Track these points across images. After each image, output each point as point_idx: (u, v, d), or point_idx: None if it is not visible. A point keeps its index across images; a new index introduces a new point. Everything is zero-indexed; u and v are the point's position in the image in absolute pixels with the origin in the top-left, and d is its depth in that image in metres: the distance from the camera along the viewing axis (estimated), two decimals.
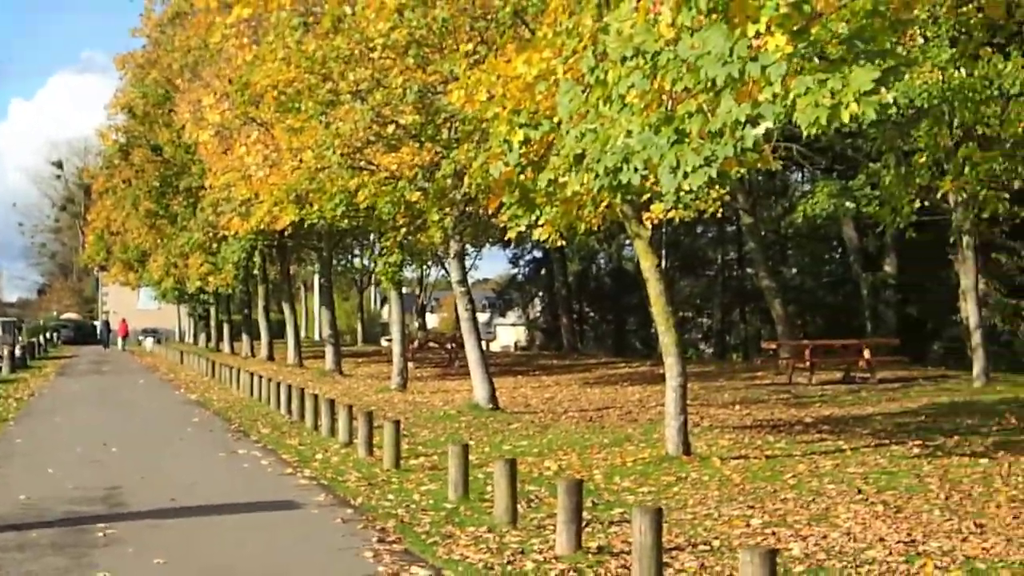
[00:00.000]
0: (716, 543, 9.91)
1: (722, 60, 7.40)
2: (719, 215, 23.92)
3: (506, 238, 33.89)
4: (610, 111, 9.17)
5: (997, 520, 10.87)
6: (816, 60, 7.65)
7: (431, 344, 45.58)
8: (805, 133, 7.19)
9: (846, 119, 6.99)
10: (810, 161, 35.44)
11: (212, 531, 10.97)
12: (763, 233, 42.46)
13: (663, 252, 48.56)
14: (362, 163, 22.77)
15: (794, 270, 50.35)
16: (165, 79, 44.75)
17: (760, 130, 7.41)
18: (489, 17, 18.81)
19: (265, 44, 20.97)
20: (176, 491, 13.16)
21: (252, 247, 39.29)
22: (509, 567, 9.24)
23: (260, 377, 27.44)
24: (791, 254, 51.04)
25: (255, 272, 44.32)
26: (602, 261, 61.19)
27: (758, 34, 7.45)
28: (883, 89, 7.08)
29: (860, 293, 41.33)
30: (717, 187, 17.18)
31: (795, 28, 7.36)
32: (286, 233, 37.01)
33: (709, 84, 7.56)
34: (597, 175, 9.23)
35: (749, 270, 49.19)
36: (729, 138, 7.55)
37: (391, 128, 21.61)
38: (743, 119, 7.43)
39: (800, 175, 47.37)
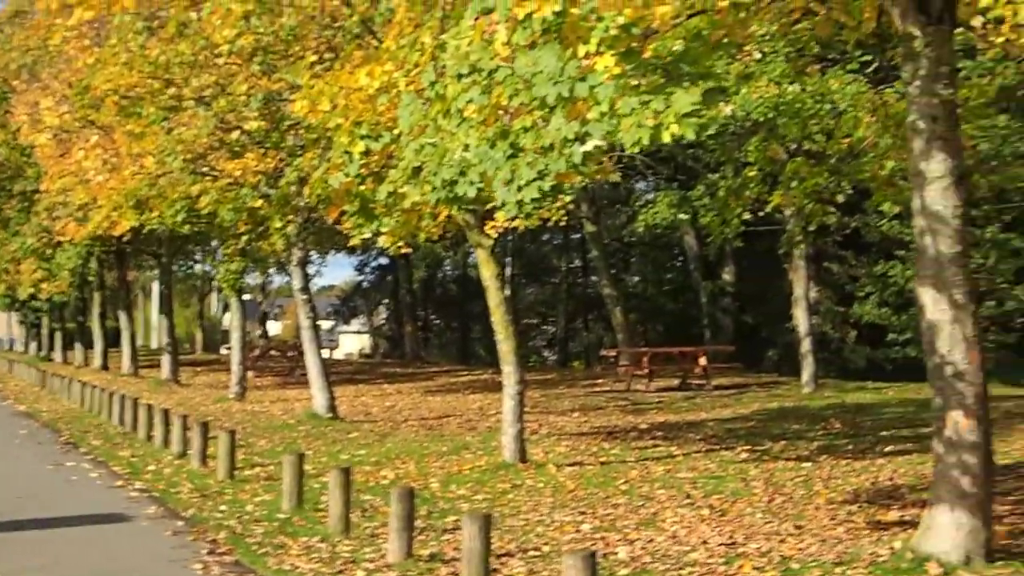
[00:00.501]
0: (546, 548, 10.18)
1: (553, 79, 7.64)
2: (563, 223, 24.30)
3: (350, 245, 33.89)
4: (449, 125, 9.35)
5: (815, 522, 11.38)
6: (657, 76, 7.95)
7: (272, 352, 45.21)
8: (628, 150, 7.49)
9: (667, 139, 7.30)
10: (653, 171, 36.20)
11: (38, 545, 10.79)
12: (606, 241, 43.15)
13: (508, 260, 49.03)
14: (205, 169, 22.56)
15: (636, 278, 51.23)
16: (1, 79, 43.52)
17: (588, 146, 7.68)
18: (337, 25, 18.84)
19: (107, 47, 20.64)
20: (1, 505, 12.91)
21: (89, 253, 38.44)
22: None
23: (93, 387, 26.87)
24: (634, 262, 51.92)
25: (91, 278, 43.35)
26: (448, 268, 61.41)
27: (588, 55, 7.72)
28: (706, 109, 7.41)
29: (699, 301, 42.31)
30: (561, 196, 17.52)
31: (623, 50, 7.64)
32: (125, 239, 36.31)
33: (542, 102, 7.80)
34: (435, 187, 9.40)
35: (593, 278, 49.91)
36: (558, 154, 7.82)
37: (235, 134, 21.48)
38: (571, 136, 7.69)
39: (644, 184, 48.27)
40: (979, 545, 9.48)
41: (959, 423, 9.50)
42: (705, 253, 42.48)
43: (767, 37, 20.46)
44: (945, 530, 9.50)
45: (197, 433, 16.33)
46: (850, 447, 17.13)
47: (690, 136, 7.16)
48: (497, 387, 16.08)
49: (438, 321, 64.20)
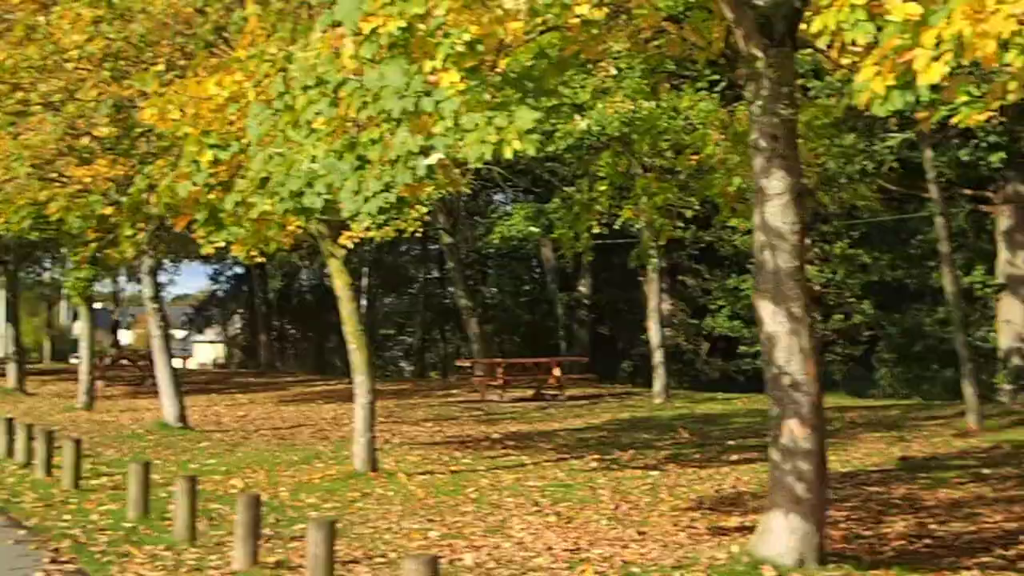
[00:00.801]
0: (393, 555, 10.26)
1: (399, 94, 7.76)
2: (420, 235, 24.37)
3: (203, 254, 33.52)
4: (297, 136, 9.40)
5: (658, 528, 11.67)
6: (508, 90, 8.12)
7: (123, 361, 44.35)
8: (472, 164, 7.65)
9: (509, 155, 7.48)
10: (511, 183, 36.52)
11: None
12: (463, 253, 43.31)
13: (365, 270, 48.86)
14: (53, 175, 22.10)
15: (493, 289, 51.47)
16: None
17: (432, 160, 7.82)
18: (191, 32, 18.67)
19: None
20: None
21: None
22: None
23: None
24: (491, 273, 52.15)
25: None
26: (305, 278, 60.91)
27: (435, 70, 7.86)
28: (549, 126, 7.64)
29: (556, 312, 42.73)
30: (417, 207, 17.64)
31: (469, 66, 7.80)
32: None
33: (388, 115, 7.91)
34: (282, 198, 9.44)
35: (450, 289, 50.03)
36: (404, 167, 7.93)
37: (85, 140, 21.10)
38: (416, 149, 7.83)
39: (502, 196, 48.56)
40: (812, 549, 9.81)
41: (795, 431, 9.81)
42: (562, 265, 42.88)
43: (622, 54, 20.92)
44: (779, 534, 9.82)
45: (42, 442, 16.00)
46: (697, 456, 17.55)
47: (531, 152, 7.34)
48: (352, 397, 16.10)
49: (294, 331, 63.59)
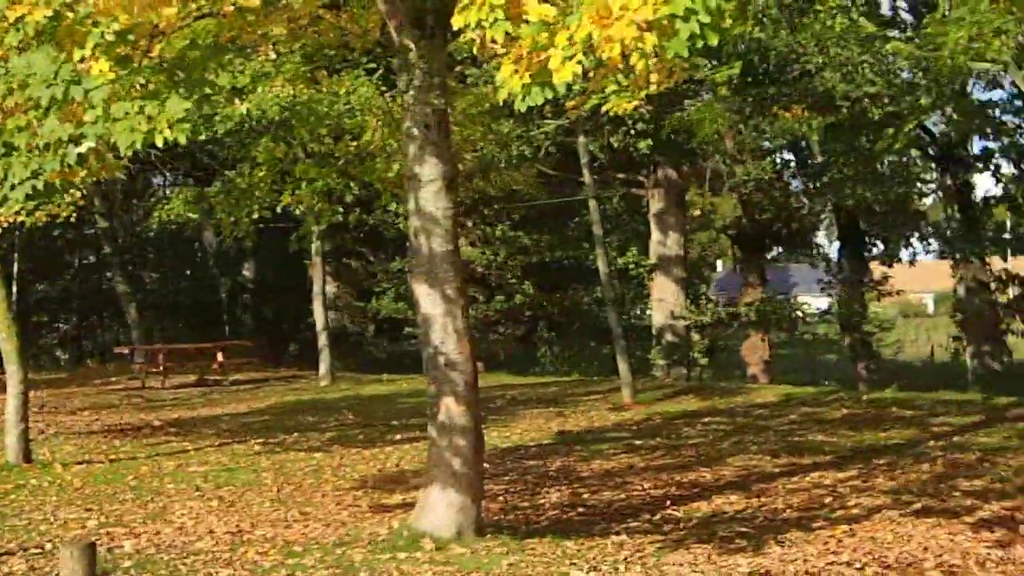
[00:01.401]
0: (48, 546, 10.10)
1: (47, 82, 7.66)
2: (74, 219, 23.59)
3: None
4: None
5: (321, 508, 11.92)
6: (163, 77, 8.09)
7: None
8: (123, 152, 7.64)
9: (160, 143, 7.50)
10: (170, 167, 35.75)
11: None
12: (119, 238, 42.13)
13: (15, 256, 46.71)
14: None
15: (155, 274, 50.22)
16: None
17: (83, 148, 7.75)
18: None
19: None
20: None
21: None
22: None
23: None
24: (152, 258, 50.83)
25: None
26: None
27: (84, 59, 7.78)
28: (199, 114, 7.69)
29: (219, 297, 42.17)
30: (71, 191, 17.13)
31: (119, 55, 7.77)
32: None
33: (36, 103, 7.78)
34: None
35: (108, 274, 48.48)
36: (54, 154, 7.83)
37: None
38: (66, 137, 7.74)
39: (161, 180, 47.41)
40: (470, 521, 10.25)
41: (451, 409, 10.22)
42: (225, 249, 42.36)
43: (281, 39, 20.87)
44: (438, 508, 10.22)
45: None
46: (361, 437, 17.85)
47: (182, 141, 7.41)
48: (3, 387, 15.57)
49: None
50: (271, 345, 39.16)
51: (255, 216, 19.60)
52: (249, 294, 41.92)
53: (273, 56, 21.52)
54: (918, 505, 11.55)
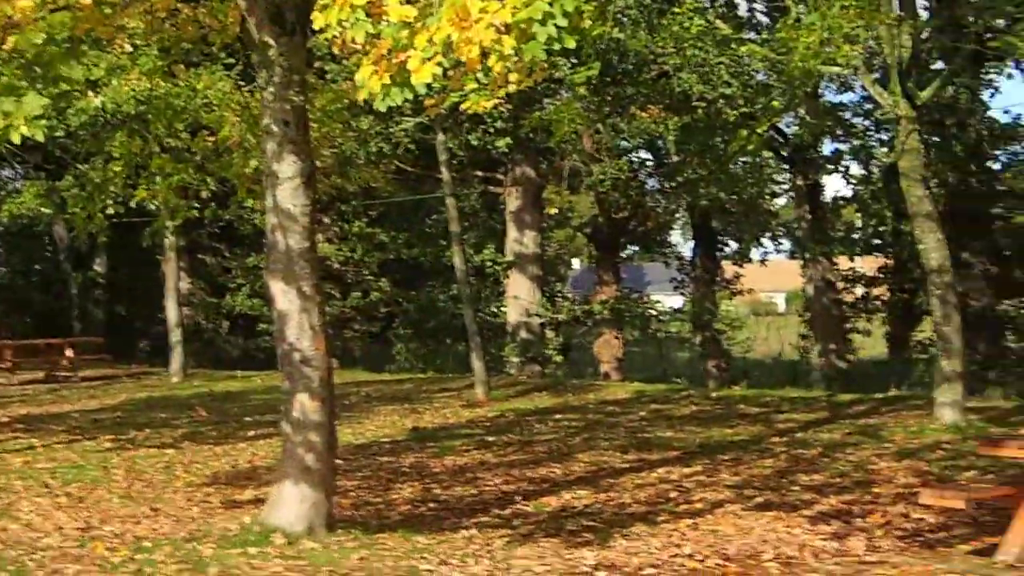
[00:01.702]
0: None
1: None
2: None
3: None
4: None
5: (172, 504, 11.89)
6: (20, 71, 8.02)
7: None
8: None
9: (17, 140, 7.46)
10: (20, 159, 34.94)
11: None
12: None
13: None
14: None
15: (3, 269, 49.02)
16: None
17: None
18: None
19: None
20: None
21: None
22: None
23: None
24: (0, 252, 49.62)
25: None
26: None
27: None
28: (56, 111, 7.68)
29: (70, 292, 41.35)
30: None
31: None
32: None
33: None
34: None
35: None
36: None
37: None
38: None
39: (11, 172, 46.25)
40: (321, 516, 10.31)
41: (305, 405, 10.27)
42: (76, 244, 41.53)
43: (138, 31, 20.60)
44: (290, 503, 10.26)
45: None
46: (214, 433, 17.77)
47: (39, 138, 7.38)
48: None
49: None
50: (123, 342, 38.54)
51: (109, 211, 19.32)
52: (101, 290, 41.16)
53: (130, 49, 21.25)
54: (760, 499, 11.98)
